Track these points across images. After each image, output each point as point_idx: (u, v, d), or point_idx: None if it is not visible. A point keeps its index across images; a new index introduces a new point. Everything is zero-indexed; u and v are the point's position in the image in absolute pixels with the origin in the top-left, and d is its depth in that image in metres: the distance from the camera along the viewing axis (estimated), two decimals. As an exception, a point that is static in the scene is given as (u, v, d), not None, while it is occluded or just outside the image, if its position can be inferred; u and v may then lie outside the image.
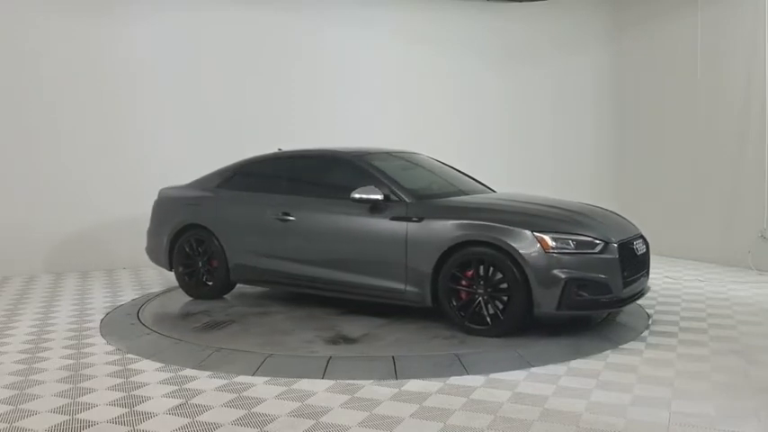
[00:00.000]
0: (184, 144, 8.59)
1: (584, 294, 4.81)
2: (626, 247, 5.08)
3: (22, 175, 8.12)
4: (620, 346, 4.84)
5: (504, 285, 4.88)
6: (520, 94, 10.06)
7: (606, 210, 5.82)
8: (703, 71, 8.63)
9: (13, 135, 8.08)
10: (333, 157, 6.06)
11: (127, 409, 3.73)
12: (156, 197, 6.91)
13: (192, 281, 6.46)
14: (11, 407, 3.79)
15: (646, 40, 9.70)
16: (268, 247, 5.95)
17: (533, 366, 4.38)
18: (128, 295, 6.81)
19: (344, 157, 5.95)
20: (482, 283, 4.95)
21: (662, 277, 7.54)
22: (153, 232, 6.80)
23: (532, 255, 4.78)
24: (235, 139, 8.37)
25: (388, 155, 6.17)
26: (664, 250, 8.92)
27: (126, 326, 5.55)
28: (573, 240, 4.86)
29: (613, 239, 4.99)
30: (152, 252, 6.84)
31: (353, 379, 4.18)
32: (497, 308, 4.91)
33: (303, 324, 5.44)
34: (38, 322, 5.78)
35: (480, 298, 4.96)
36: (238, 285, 6.58)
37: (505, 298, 4.89)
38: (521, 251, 4.79)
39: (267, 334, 5.16)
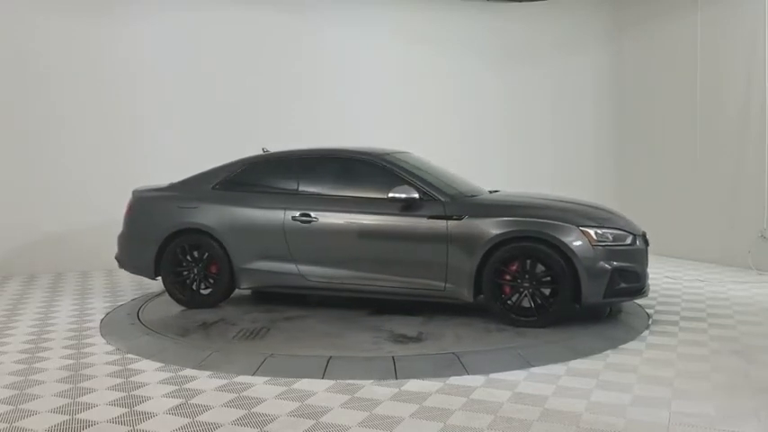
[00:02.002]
0: (185, 144, 8.60)
1: (623, 284, 5.21)
2: (644, 240, 5.54)
3: (23, 175, 8.13)
4: (620, 346, 4.84)
5: (548, 278, 5.15)
6: (519, 93, 10.07)
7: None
8: (703, 71, 8.63)
9: (13, 135, 8.09)
10: (350, 157, 5.95)
11: (127, 409, 3.73)
12: (131, 199, 6.44)
13: (185, 288, 6.06)
14: (11, 407, 3.79)
15: (646, 40, 9.71)
16: (284, 250, 5.72)
17: (533, 366, 4.38)
18: (128, 295, 6.82)
19: (364, 158, 5.87)
20: (527, 276, 5.17)
21: (662, 277, 7.54)
22: (131, 237, 6.30)
23: (581, 248, 5.09)
24: (235, 139, 8.35)
25: (386, 155, 6.08)
26: (664, 250, 8.93)
27: (126, 326, 5.55)
28: (611, 233, 5.25)
29: (638, 232, 5.47)
30: (130, 259, 6.34)
31: (353, 379, 4.18)
32: (543, 300, 5.15)
33: (345, 326, 5.33)
34: (38, 322, 5.78)
35: (526, 291, 5.19)
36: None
37: (547, 291, 5.16)
38: (570, 245, 5.08)
39: (319, 338, 5.01)
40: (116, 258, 6.48)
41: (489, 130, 9.97)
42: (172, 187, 6.33)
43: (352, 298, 5.91)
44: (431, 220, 5.38)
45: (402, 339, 4.92)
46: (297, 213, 5.69)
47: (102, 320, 5.81)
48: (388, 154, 5.98)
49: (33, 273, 8.18)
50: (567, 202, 5.81)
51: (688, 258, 8.78)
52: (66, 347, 4.99)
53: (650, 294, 6.42)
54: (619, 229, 5.33)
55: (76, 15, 8.30)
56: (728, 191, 8.31)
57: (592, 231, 5.17)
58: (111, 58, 8.42)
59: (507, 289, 5.25)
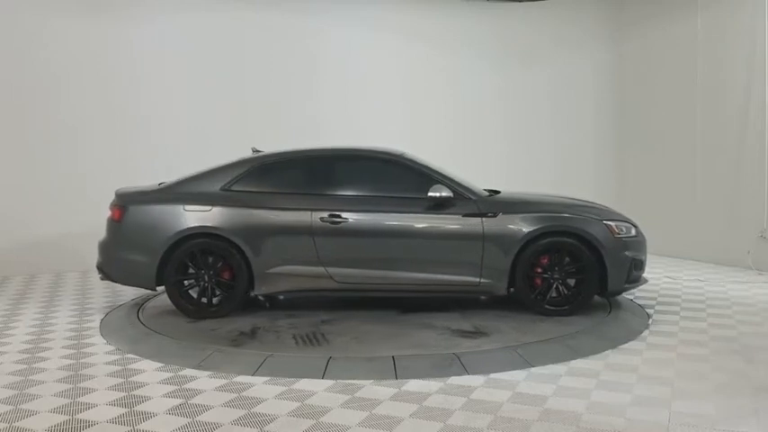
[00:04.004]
0: (186, 144, 8.59)
1: (635, 272, 5.69)
2: None
3: (23, 176, 8.13)
4: (620, 346, 4.84)
5: (573, 270, 5.54)
6: (520, 93, 10.07)
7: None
8: (703, 71, 8.63)
9: (13, 135, 8.09)
10: (373, 156, 5.91)
11: (127, 409, 3.73)
12: (117, 202, 5.86)
13: (195, 298, 5.64)
14: (11, 407, 3.79)
15: (646, 40, 9.71)
16: (311, 252, 5.52)
17: (533, 366, 4.38)
18: (128, 295, 6.81)
19: (387, 157, 5.88)
20: (556, 269, 5.52)
21: (662, 277, 7.54)
22: (123, 244, 5.75)
23: (607, 240, 5.52)
24: (236, 139, 8.33)
25: (404, 154, 6.06)
26: (664, 250, 8.92)
27: (126, 326, 5.54)
28: (624, 226, 5.70)
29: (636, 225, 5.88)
30: (121, 269, 5.79)
31: (353, 379, 4.17)
32: (570, 290, 5.56)
33: (395, 326, 5.27)
34: (38, 322, 5.78)
35: (556, 283, 5.56)
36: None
37: (572, 281, 5.55)
38: (599, 238, 5.49)
39: (387, 338, 4.92)
40: (99, 268, 5.95)
41: (489, 130, 9.97)
42: (169, 188, 5.87)
43: (365, 299, 5.91)
44: (466, 218, 5.53)
45: (468, 334, 5.02)
46: (325, 214, 5.54)
47: (102, 320, 5.80)
48: (404, 153, 5.99)
49: (33, 273, 8.18)
50: (574, 198, 6.18)
51: (688, 258, 8.78)
52: (66, 347, 4.99)
53: (650, 294, 6.58)
54: (627, 222, 5.78)
55: (76, 16, 8.29)
56: (728, 191, 8.31)
57: (613, 224, 5.62)
58: (113, 58, 8.42)
59: (538, 281, 5.56)
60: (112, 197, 6.02)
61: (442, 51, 9.79)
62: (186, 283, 5.69)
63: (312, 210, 5.57)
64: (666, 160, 9.31)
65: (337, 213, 5.56)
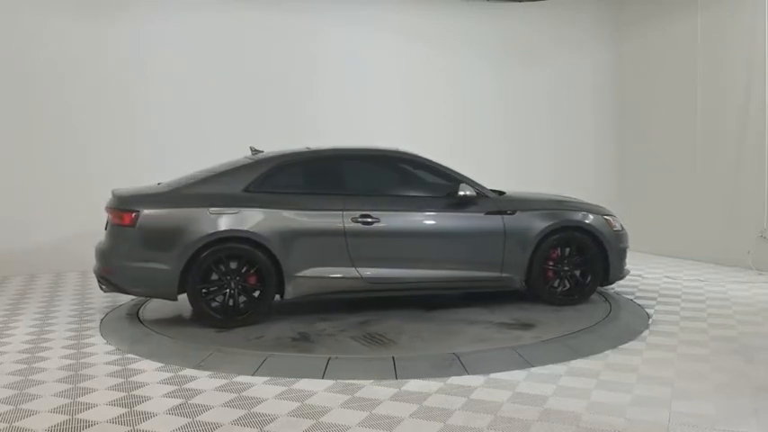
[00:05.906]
0: (187, 144, 8.58)
1: (625, 262, 6.19)
2: None
3: (23, 175, 8.13)
4: (620, 346, 4.84)
5: (580, 261, 5.94)
6: (520, 93, 10.07)
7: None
8: (703, 71, 8.63)
9: (13, 135, 8.09)
10: (395, 156, 6.02)
11: (127, 409, 3.73)
12: (118, 203, 5.43)
13: (220, 306, 5.28)
14: (11, 407, 3.79)
15: (646, 40, 9.71)
16: (343, 253, 5.43)
17: (533, 366, 4.38)
18: (127, 296, 6.79)
19: (410, 158, 6.01)
20: (566, 261, 5.92)
21: (662, 277, 7.54)
22: (139, 251, 5.24)
23: (609, 234, 5.99)
24: (236, 139, 8.31)
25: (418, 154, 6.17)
26: (664, 250, 8.92)
27: (126, 326, 5.55)
28: (615, 221, 6.17)
29: None
30: (134, 278, 5.28)
31: (353, 379, 4.17)
32: (577, 280, 5.96)
33: (439, 323, 5.36)
34: (38, 322, 5.78)
35: (565, 275, 5.94)
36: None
37: (578, 272, 5.94)
38: (603, 232, 5.95)
39: (447, 336, 4.99)
40: (103, 278, 5.45)
41: (489, 130, 9.96)
42: (182, 190, 5.50)
43: (383, 298, 5.94)
44: (488, 216, 5.78)
45: (514, 327, 5.21)
46: (357, 215, 5.50)
47: (102, 320, 5.80)
48: (419, 154, 6.10)
49: (33, 273, 8.18)
50: (560, 196, 6.59)
51: (688, 258, 8.77)
52: (66, 347, 4.98)
53: (650, 294, 6.60)
54: (615, 217, 6.26)
55: (76, 16, 8.29)
56: (728, 191, 8.31)
57: (611, 219, 6.11)
58: (113, 58, 8.42)
59: (550, 273, 5.92)
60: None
61: (442, 51, 9.79)
62: (206, 290, 5.28)
63: (343, 210, 5.50)
64: (666, 160, 9.30)
65: (368, 214, 5.54)
